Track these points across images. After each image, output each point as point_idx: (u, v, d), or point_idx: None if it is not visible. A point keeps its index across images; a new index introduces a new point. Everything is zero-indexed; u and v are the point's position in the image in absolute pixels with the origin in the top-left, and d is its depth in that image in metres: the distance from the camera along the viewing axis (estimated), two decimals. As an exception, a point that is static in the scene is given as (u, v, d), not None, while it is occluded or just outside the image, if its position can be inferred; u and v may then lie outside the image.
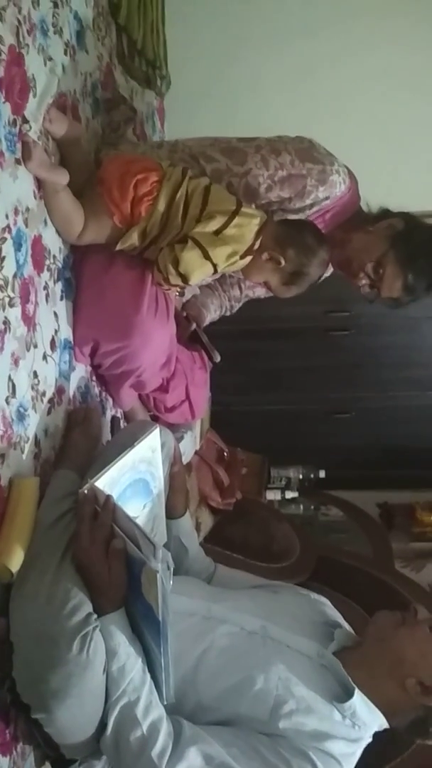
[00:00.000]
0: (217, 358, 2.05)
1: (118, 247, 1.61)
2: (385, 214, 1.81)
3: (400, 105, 2.76)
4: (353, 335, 3.11)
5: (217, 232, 1.58)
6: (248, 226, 1.60)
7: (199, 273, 1.63)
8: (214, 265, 1.61)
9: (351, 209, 1.81)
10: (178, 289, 1.73)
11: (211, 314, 2.10)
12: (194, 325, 2.00)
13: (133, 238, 1.60)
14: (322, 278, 1.76)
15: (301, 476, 3.28)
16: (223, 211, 1.58)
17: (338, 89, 2.75)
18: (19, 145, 1.36)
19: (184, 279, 1.62)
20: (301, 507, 3.28)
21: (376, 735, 1.36)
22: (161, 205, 1.57)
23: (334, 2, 2.76)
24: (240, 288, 2.08)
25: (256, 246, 1.62)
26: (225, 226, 1.58)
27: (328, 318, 3.04)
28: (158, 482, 1.48)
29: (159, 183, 1.57)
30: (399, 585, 2.58)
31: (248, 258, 1.64)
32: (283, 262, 1.63)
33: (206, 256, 1.58)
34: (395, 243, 1.74)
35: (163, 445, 1.48)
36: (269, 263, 1.65)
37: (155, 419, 1.98)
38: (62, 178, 1.48)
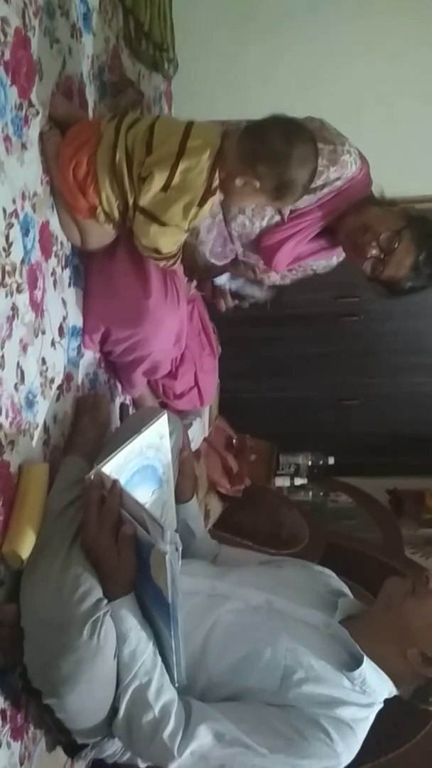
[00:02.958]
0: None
1: (102, 232, 1.57)
2: (395, 203, 1.80)
3: (412, 92, 2.72)
4: (363, 321, 3.09)
5: (165, 188, 1.41)
6: (196, 167, 1.40)
7: (167, 240, 1.49)
8: (176, 226, 1.46)
9: (363, 191, 1.79)
10: (166, 262, 1.59)
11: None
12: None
13: (102, 221, 1.52)
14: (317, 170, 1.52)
15: (310, 463, 3.28)
16: (163, 160, 1.40)
17: (349, 76, 2.71)
18: (26, 130, 1.35)
19: (157, 251, 1.51)
20: (310, 493, 3.28)
21: (398, 707, 1.36)
22: (104, 179, 1.43)
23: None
24: (254, 272, 2.06)
25: (215, 184, 1.43)
26: (170, 178, 1.40)
27: (338, 304, 3.02)
28: (166, 468, 1.47)
29: (93, 156, 1.43)
30: (409, 571, 2.57)
31: (211, 201, 1.45)
32: (257, 183, 1.42)
33: (162, 224, 1.44)
34: (412, 222, 1.73)
35: (171, 432, 1.48)
36: (246, 187, 1.43)
37: (164, 406, 1.97)
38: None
